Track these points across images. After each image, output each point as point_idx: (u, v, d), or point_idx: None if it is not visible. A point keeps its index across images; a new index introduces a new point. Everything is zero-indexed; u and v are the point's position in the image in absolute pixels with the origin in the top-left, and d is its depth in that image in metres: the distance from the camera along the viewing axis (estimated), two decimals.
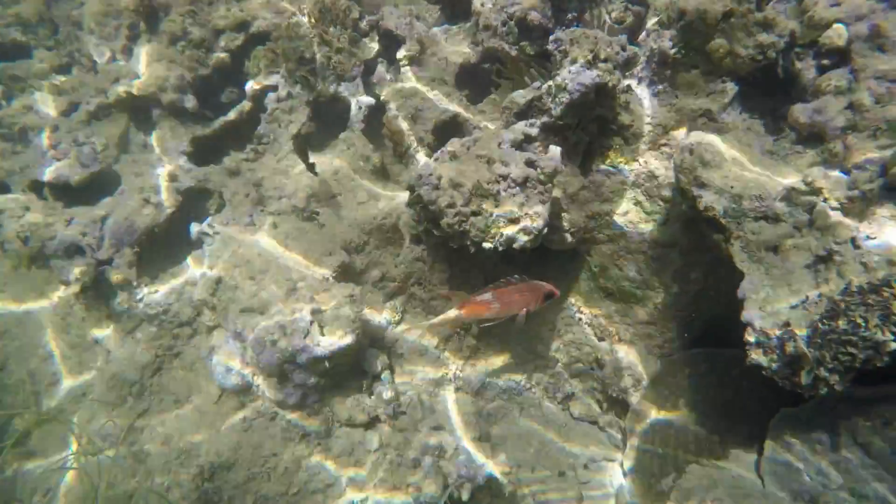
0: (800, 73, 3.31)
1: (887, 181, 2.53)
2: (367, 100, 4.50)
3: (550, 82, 3.34)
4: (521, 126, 3.37)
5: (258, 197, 4.06)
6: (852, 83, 2.87)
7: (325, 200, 4.23)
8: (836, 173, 2.77)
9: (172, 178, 4.35)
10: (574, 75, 3.18)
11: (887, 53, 2.78)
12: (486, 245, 3.13)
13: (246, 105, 4.79)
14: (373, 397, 3.65)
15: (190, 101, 4.74)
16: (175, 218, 4.22)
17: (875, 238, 2.52)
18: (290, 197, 4.13)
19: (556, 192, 3.50)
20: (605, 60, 3.17)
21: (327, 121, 4.71)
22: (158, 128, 4.67)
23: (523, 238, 3.12)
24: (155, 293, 4.00)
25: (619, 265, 4.01)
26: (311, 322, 3.32)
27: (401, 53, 4.53)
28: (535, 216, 3.13)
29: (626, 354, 4.11)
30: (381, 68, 4.82)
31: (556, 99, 3.32)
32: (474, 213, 3.11)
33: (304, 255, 3.84)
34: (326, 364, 3.34)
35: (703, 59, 3.33)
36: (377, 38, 4.90)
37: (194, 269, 4.06)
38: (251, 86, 4.82)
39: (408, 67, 4.50)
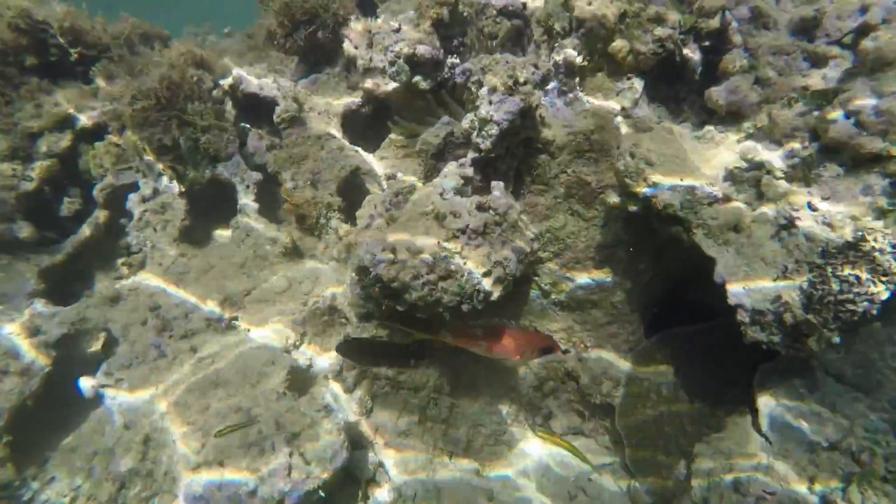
0: (689, 59, 3.47)
1: (822, 144, 2.69)
2: (255, 176, 3.93)
3: (472, 116, 3.13)
4: (455, 170, 3.11)
5: (160, 322, 3.32)
6: (753, 61, 3.04)
7: (241, 300, 3.60)
8: (769, 146, 2.90)
9: (32, 331, 3.40)
10: (498, 104, 3.00)
11: (772, 30, 2.97)
12: (465, 307, 2.82)
13: (101, 215, 3.94)
14: None
15: (23, 229, 3.79)
16: (53, 380, 3.30)
17: (829, 197, 2.66)
18: (198, 310, 3.45)
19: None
20: (525, 83, 3.03)
21: (210, 209, 4.05)
22: None
23: (500, 289, 2.87)
24: (49, 483, 3.09)
25: (569, 277, 3.93)
26: (290, 453, 2.76)
27: (277, 116, 4.01)
28: (504, 262, 2.89)
29: (598, 358, 4.06)
30: (253, 136, 4.25)
31: (483, 132, 3.11)
32: (443, 278, 2.79)
33: (244, 374, 3.21)
34: (321, 494, 2.80)
35: (607, 61, 3.35)
36: (235, 105, 4.32)
37: (98, 435, 3.21)
38: (100, 190, 3.98)
39: (290, 129, 4.01)
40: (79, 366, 3.39)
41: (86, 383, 3.21)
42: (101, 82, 4.07)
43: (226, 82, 4.28)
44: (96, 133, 4.05)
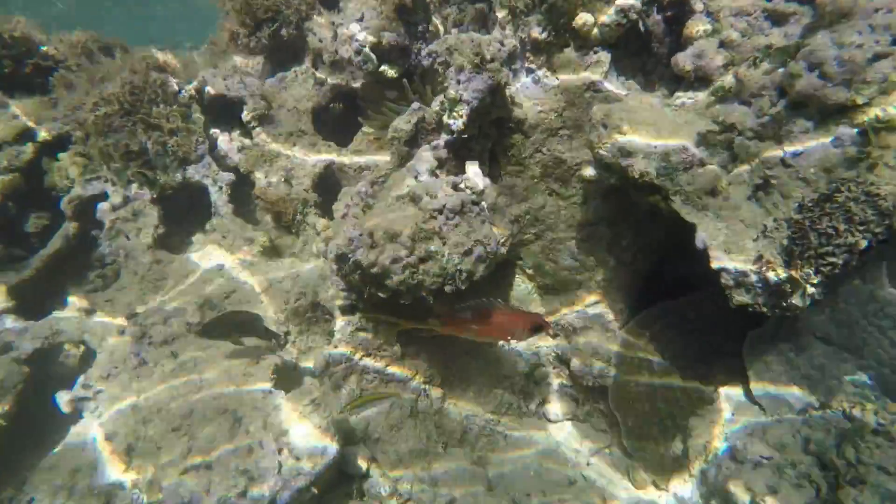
0: (653, 30, 3.48)
1: (789, 99, 2.70)
2: (227, 176, 3.85)
3: (442, 98, 3.09)
4: (428, 153, 3.08)
5: (138, 329, 3.23)
6: (715, 24, 3.05)
7: (221, 301, 3.52)
8: (738, 106, 2.91)
9: (3, 348, 3.29)
10: (467, 83, 2.97)
11: None
12: (448, 289, 2.78)
13: (70, 227, 3.83)
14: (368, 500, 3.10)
15: None
16: (27, 397, 3.19)
17: (801, 153, 2.67)
18: (178, 315, 3.37)
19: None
20: (492, 60, 3.01)
21: (182, 213, 3.96)
22: None
23: (482, 267, 2.84)
24: None
25: (552, 259, 3.91)
26: (279, 450, 2.69)
27: (246, 115, 3.95)
28: (485, 240, 2.85)
29: (587, 340, 4.04)
30: (223, 138, 4.17)
31: (454, 113, 3.08)
32: (423, 260, 2.74)
33: (227, 375, 3.13)
34: (314, 491, 2.73)
35: (572, 35, 3.34)
36: (201, 107, 4.24)
37: (79, 450, 3.09)
38: (68, 202, 3.87)
39: (260, 128, 3.94)
40: (55, 381, 3.28)
41: (63, 398, 3.10)
42: (60, 92, 3.96)
43: (191, 85, 4.20)
44: (59, 144, 3.94)
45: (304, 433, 2.76)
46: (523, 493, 3.54)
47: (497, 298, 3.12)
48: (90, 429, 3.02)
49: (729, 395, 3.55)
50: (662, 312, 3.84)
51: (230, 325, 3.05)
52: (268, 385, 3.05)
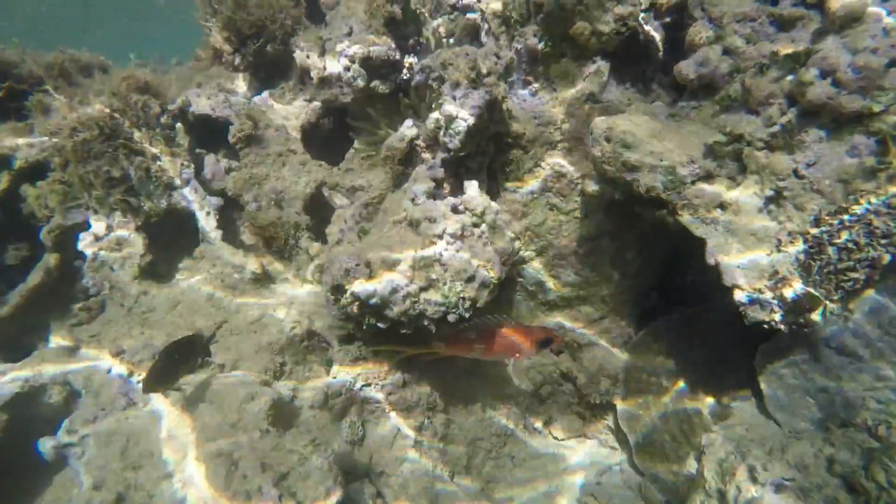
0: (652, 37, 3.37)
1: (800, 107, 2.59)
2: (215, 201, 3.69)
3: (437, 115, 2.96)
4: (425, 173, 2.94)
5: (126, 367, 3.07)
6: (718, 31, 2.94)
7: (210, 334, 3.36)
8: (746, 116, 2.80)
9: None
10: (463, 99, 2.84)
11: None
12: (451, 318, 2.65)
13: (51, 259, 3.65)
14: None
15: None
16: (6, 446, 3.01)
17: (815, 163, 2.56)
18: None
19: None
20: (489, 74, 2.88)
21: (168, 241, 3.79)
22: None
23: (485, 293, 2.70)
24: None
25: (554, 275, 3.79)
26: (280, 497, 2.53)
27: (232, 136, 3.79)
28: (488, 265, 2.72)
29: (593, 356, 3.93)
30: (209, 160, 4.02)
31: (451, 130, 2.94)
32: (424, 289, 2.61)
33: (221, 413, 2.97)
34: None
35: (570, 45, 3.22)
36: (184, 128, 4.07)
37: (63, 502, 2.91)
38: (48, 232, 3.69)
39: (248, 149, 3.79)
40: (38, 426, 3.10)
41: (46, 444, 2.92)
42: (37, 117, 3.79)
43: (175, 105, 4.04)
44: (37, 172, 3.76)
45: (306, 475, 2.61)
46: None
47: (502, 314, 2.99)
48: (76, 477, 2.84)
49: (743, 409, 3.43)
50: (670, 326, 3.73)
51: (173, 362, 2.79)
52: (264, 423, 2.89)
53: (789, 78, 2.67)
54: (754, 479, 2.95)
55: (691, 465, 3.46)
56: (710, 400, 3.57)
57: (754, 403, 3.41)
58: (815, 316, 2.50)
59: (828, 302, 2.47)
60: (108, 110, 3.47)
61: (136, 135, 3.51)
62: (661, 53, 3.47)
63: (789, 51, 2.64)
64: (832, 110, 2.48)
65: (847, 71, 2.39)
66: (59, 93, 3.82)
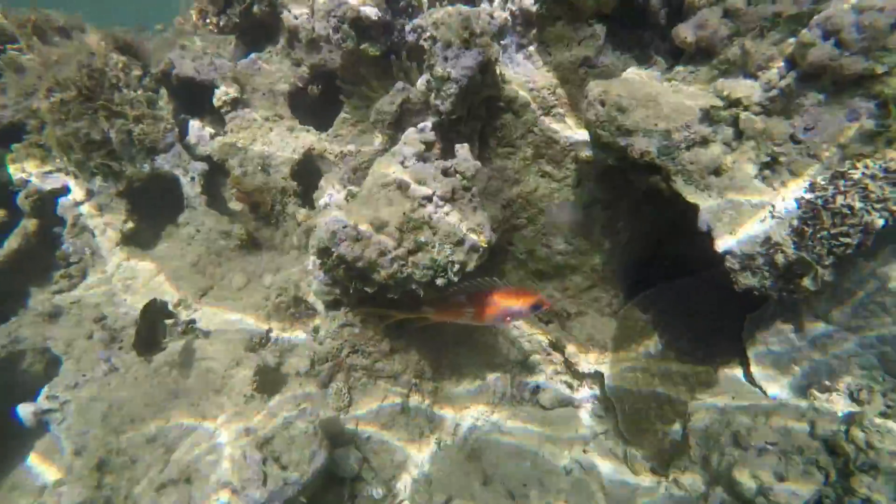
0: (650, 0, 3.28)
1: (801, 71, 2.53)
2: (200, 166, 3.59)
3: (428, 76, 2.87)
4: (415, 135, 2.86)
5: (107, 334, 3.00)
6: None
7: (197, 301, 3.30)
8: (744, 80, 2.73)
9: None
10: (455, 60, 2.75)
11: None
12: (440, 282, 2.59)
13: (29, 224, 3.55)
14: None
15: None
16: None
17: (812, 128, 2.51)
18: None
19: None
20: (482, 34, 2.78)
21: (152, 207, 3.69)
22: None
23: (475, 258, 2.65)
24: None
25: (545, 243, 3.74)
26: (264, 460, 2.50)
27: (218, 100, 3.67)
28: (478, 228, 2.66)
29: (582, 325, 3.91)
30: (194, 125, 3.90)
31: (442, 92, 2.86)
32: (412, 252, 2.55)
33: (205, 380, 2.92)
34: (303, 500, 2.56)
35: (566, 7, 3.13)
36: (168, 92, 3.94)
37: (46, 468, 2.87)
38: (25, 197, 3.58)
39: (233, 113, 3.67)
40: (17, 392, 3.04)
41: (26, 410, 2.87)
42: (10, 76, 3.64)
43: (158, 69, 3.90)
44: (12, 134, 3.63)
45: (290, 440, 2.57)
46: (520, 483, 3.43)
47: (493, 277, 2.91)
48: (57, 443, 2.79)
49: (729, 377, 3.43)
50: (659, 295, 3.71)
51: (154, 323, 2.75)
52: (249, 389, 2.85)
53: (790, 40, 2.60)
54: (738, 444, 2.96)
55: (677, 433, 3.47)
56: (697, 368, 3.56)
57: (742, 371, 3.42)
58: (807, 282, 2.47)
59: (819, 267, 2.43)
60: (85, 70, 3.34)
61: (117, 97, 3.39)
62: (660, 18, 3.37)
63: (792, 12, 2.57)
64: (833, 73, 2.41)
65: (851, 31, 2.32)
66: (34, 52, 3.67)
